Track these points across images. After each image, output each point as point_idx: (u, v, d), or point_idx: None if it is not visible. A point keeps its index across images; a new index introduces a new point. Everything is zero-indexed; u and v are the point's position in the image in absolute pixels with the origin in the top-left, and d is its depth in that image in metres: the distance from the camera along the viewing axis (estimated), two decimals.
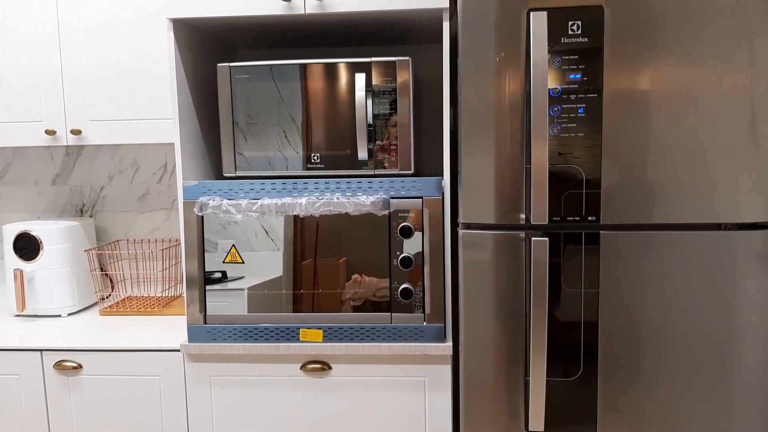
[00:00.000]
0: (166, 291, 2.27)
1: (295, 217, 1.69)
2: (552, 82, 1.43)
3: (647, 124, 1.43)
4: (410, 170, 1.72)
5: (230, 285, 1.72)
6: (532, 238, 1.43)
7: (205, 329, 1.73)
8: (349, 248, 1.69)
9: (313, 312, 1.71)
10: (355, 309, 1.70)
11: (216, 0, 1.66)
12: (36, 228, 2.06)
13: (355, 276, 1.70)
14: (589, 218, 1.45)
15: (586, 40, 1.41)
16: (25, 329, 1.96)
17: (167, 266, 2.26)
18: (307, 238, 1.70)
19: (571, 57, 1.42)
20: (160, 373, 1.77)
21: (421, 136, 2.20)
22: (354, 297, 1.70)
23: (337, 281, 1.70)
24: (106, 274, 2.29)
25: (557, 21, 1.41)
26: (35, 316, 2.11)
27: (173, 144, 2.25)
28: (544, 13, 1.39)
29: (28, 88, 1.98)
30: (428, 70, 2.19)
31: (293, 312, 1.71)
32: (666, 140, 1.43)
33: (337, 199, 1.67)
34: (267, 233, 1.70)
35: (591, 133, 1.43)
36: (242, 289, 1.72)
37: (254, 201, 1.68)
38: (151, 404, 1.78)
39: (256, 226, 1.70)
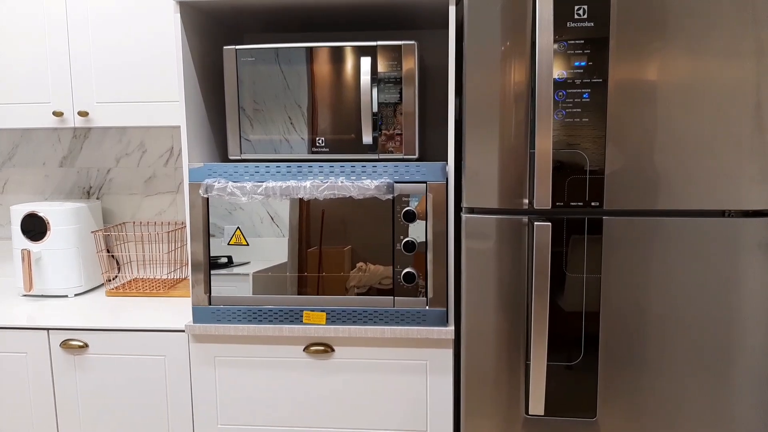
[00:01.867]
0: (172, 273, 2.29)
1: (300, 202, 1.70)
2: (557, 68, 1.42)
3: (653, 110, 1.43)
4: (415, 155, 1.72)
5: (235, 270, 1.73)
6: (535, 223, 1.44)
7: (209, 310, 1.75)
8: (353, 235, 1.70)
9: (317, 295, 1.73)
10: (359, 295, 1.71)
11: None
12: (43, 209, 2.08)
13: (360, 264, 1.71)
14: (593, 204, 1.46)
15: (592, 25, 1.41)
16: (32, 309, 1.98)
17: (173, 249, 2.28)
18: (312, 225, 1.71)
19: (577, 42, 1.41)
20: (164, 353, 1.79)
21: (425, 122, 2.20)
22: (358, 284, 1.71)
23: (341, 269, 1.71)
24: (113, 256, 2.31)
25: (563, 5, 1.41)
26: (42, 296, 2.13)
27: (179, 127, 2.27)
28: None
29: (36, 70, 1.99)
30: (433, 57, 2.19)
31: (297, 295, 1.73)
32: (671, 127, 1.43)
33: (342, 182, 1.67)
34: (272, 219, 1.71)
35: (596, 119, 1.43)
36: (247, 274, 1.73)
37: (259, 183, 1.69)
38: (156, 383, 1.81)
39: (261, 212, 1.71)
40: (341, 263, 1.71)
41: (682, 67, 1.41)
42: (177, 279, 2.28)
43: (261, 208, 1.71)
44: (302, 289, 1.73)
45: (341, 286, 1.72)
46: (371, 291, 1.71)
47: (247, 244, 1.73)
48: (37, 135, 2.35)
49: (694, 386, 1.50)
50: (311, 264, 1.72)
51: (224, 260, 1.74)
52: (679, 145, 1.43)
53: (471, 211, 1.54)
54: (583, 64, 1.42)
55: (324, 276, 1.72)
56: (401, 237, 1.69)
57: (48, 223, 2.08)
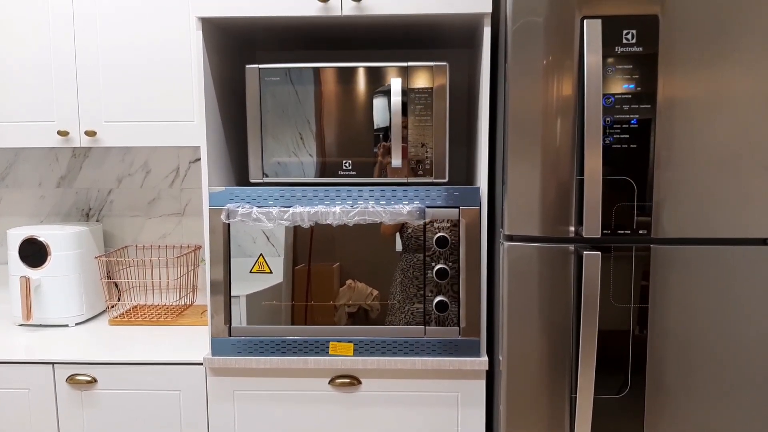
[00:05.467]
0: (181, 300, 2.18)
1: (318, 224, 1.63)
2: (605, 92, 1.39)
3: (701, 136, 1.40)
4: (444, 179, 1.67)
5: (257, 298, 1.65)
6: (584, 252, 1.39)
7: (230, 342, 1.65)
8: (380, 260, 1.63)
9: (342, 324, 1.65)
10: (386, 323, 1.64)
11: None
12: (43, 233, 1.96)
13: (374, 294, 1.64)
14: (640, 232, 1.42)
15: (641, 49, 1.37)
16: (33, 340, 1.86)
17: (181, 274, 2.17)
18: (336, 248, 1.63)
19: (625, 66, 1.38)
20: (180, 388, 1.69)
21: None
22: (386, 311, 1.64)
23: (364, 295, 1.64)
24: (115, 283, 2.20)
25: (612, 29, 1.37)
26: (41, 325, 2.01)
27: (187, 147, 2.18)
28: (599, 21, 1.35)
29: (39, 86, 1.88)
30: (450, 76, 2.13)
31: (319, 324, 1.65)
32: (718, 153, 1.40)
33: (372, 207, 1.61)
34: (268, 239, 1.64)
35: (643, 144, 1.40)
36: (270, 302, 1.65)
37: (285, 209, 1.61)
38: (170, 420, 1.70)
39: (255, 233, 1.64)
40: (367, 293, 1.64)
41: (733, 92, 1.38)
42: (183, 306, 2.17)
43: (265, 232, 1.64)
44: (327, 318, 1.65)
45: (367, 316, 1.65)
46: (400, 321, 1.64)
47: (271, 272, 1.65)
48: (33, 153, 2.23)
49: (746, 421, 1.46)
50: (336, 293, 1.65)
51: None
52: (726, 174, 1.40)
53: (510, 238, 1.49)
54: (631, 88, 1.38)
55: (350, 304, 1.65)
56: (432, 264, 1.63)
57: (48, 248, 1.96)
